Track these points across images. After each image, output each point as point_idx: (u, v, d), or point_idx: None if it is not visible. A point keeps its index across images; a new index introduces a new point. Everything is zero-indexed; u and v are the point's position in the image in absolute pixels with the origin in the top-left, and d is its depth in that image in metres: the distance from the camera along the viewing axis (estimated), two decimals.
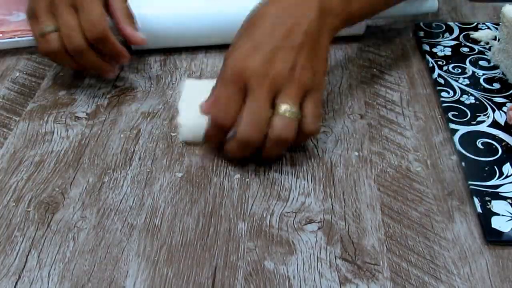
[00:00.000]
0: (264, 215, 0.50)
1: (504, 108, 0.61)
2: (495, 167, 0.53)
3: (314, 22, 0.52)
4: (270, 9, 0.53)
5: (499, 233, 0.47)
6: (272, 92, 0.50)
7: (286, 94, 0.50)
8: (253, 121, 0.50)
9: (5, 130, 0.60)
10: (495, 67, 0.68)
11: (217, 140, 0.54)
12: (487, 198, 0.50)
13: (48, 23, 0.59)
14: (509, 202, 0.50)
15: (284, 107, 0.50)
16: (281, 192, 0.52)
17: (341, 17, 0.55)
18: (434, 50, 0.71)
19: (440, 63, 0.68)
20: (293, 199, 0.52)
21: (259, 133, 0.50)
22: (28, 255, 0.47)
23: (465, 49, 0.71)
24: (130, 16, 0.63)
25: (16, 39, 0.73)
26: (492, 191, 0.51)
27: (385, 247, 0.47)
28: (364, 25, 0.73)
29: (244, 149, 0.52)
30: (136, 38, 0.62)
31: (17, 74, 0.70)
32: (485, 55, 0.70)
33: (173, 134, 0.59)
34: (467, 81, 0.65)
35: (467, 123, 0.59)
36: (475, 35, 0.73)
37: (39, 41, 0.61)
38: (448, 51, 0.71)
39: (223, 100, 0.51)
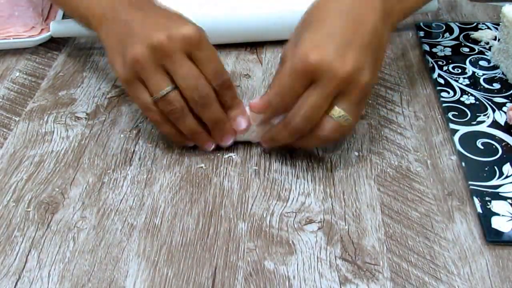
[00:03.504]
0: (264, 215, 0.50)
1: (504, 108, 0.61)
2: (495, 167, 0.53)
3: (379, 22, 0.50)
4: (334, 4, 0.51)
5: (499, 233, 0.47)
6: (336, 92, 0.49)
7: (347, 100, 0.49)
8: (310, 114, 0.49)
9: (5, 130, 0.60)
10: (495, 67, 0.68)
11: (266, 123, 0.54)
12: (487, 198, 0.50)
13: (164, 84, 0.51)
14: (509, 202, 0.50)
15: (341, 113, 0.49)
16: (281, 192, 0.52)
17: (397, 17, 0.55)
18: (434, 50, 0.71)
19: (440, 63, 0.68)
20: (293, 199, 0.52)
21: (310, 126, 0.50)
22: (28, 255, 0.47)
23: (465, 49, 0.71)
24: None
25: (14, 39, 0.73)
26: (492, 191, 0.51)
27: (385, 247, 0.47)
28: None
29: (290, 137, 0.52)
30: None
31: (17, 74, 0.70)
32: (485, 55, 0.70)
33: None
34: (467, 81, 0.65)
35: (467, 123, 0.59)
36: (475, 35, 0.73)
37: (150, 108, 0.52)
38: (448, 51, 0.71)
39: (288, 91, 0.50)
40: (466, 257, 0.46)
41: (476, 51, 0.71)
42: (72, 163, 0.56)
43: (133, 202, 0.52)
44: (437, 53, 0.70)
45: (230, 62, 0.71)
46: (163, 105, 0.52)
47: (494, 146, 0.56)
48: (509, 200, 0.50)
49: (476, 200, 0.50)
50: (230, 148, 0.57)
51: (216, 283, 0.44)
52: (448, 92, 0.64)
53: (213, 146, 0.56)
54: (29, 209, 0.51)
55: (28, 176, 0.54)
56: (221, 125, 0.54)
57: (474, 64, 0.68)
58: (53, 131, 0.60)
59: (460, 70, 0.67)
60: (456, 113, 0.60)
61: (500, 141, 0.57)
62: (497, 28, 0.72)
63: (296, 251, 0.47)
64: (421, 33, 0.74)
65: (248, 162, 0.56)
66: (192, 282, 0.45)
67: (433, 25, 0.76)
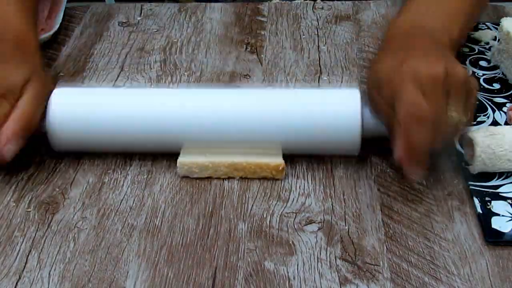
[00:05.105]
0: (264, 216, 0.50)
1: (504, 108, 0.61)
2: None
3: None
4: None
5: (499, 233, 0.47)
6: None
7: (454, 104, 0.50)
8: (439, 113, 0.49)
9: None
10: (495, 67, 0.68)
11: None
12: (487, 199, 0.50)
13: None
14: (509, 203, 0.50)
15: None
16: (281, 192, 0.52)
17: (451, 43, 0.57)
18: None
19: None
20: (293, 199, 0.52)
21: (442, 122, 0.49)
22: (28, 255, 0.47)
23: (465, 49, 0.71)
24: (22, 122, 0.52)
25: None
26: (492, 192, 0.51)
27: (385, 248, 0.47)
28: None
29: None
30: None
31: None
32: (485, 55, 0.70)
33: None
34: None
35: None
36: (475, 35, 0.73)
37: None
38: None
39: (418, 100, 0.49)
40: (466, 257, 0.46)
41: (476, 51, 0.71)
42: (72, 163, 0.56)
43: (133, 203, 0.52)
44: None
45: (231, 62, 0.71)
46: None
47: None
48: (509, 200, 0.50)
49: (476, 200, 0.50)
50: None
51: (216, 284, 0.44)
52: None
53: None
54: (29, 209, 0.51)
55: (28, 176, 0.54)
56: None
57: (474, 64, 0.68)
58: None
59: None
60: None
61: None
62: (497, 28, 0.72)
63: (296, 252, 0.47)
64: None
65: None
66: (192, 282, 0.45)
67: None
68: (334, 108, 0.53)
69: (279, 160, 0.53)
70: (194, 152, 0.53)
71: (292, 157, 0.56)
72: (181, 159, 0.53)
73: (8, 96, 0.51)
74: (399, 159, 0.49)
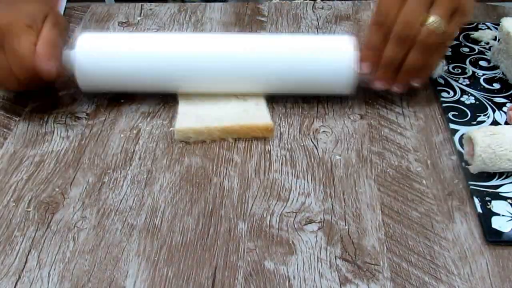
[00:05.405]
0: (264, 215, 0.50)
1: (504, 108, 0.61)
2: None
3: None
4: None
5: (499, 233, 0.47)
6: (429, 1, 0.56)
7: (437, 7, 0.56)
8: (409, 19, 0.56)
9: (5, 130, 0.60)
10: (495, 67, 0.68)
11: (375, 48, 0.58)
12: (487, 198, 0.50)
13: None
14: (509, 202, 0.50)
15: (432, 19, 0.55)
16: (281, 192, 0.52)
17: None
18: None
19: (440, 63, 0.68)
20: (293, 199, 0.52)
21: (412, 30, 0.56)
22: (28, 255, 0.47)
23: (465, 49, 0.71)
24: (52, 44, 0.59)
25: None
26: (492, 191, 0.51)
27: (385, 247, 0.47)
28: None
29: (397, 51, 0.57)
30: (42, 66, 0.57)
31: None
32: (485, 55, 0.70)
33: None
34: (467, 81, 0.65)
35: (467, 123, 0.59)
36: (475, 35, 0.73)
37: None
38: (448, 51, 0.71)
39: (385, 5, 0.57)
40: (466, 257, 0.46)
41: (476, 51, 0.71)
42: (72, 163, 0.56)
43: (133, 202, 0.52)
44: None
45: None
46: None
47: None
48: (509, 200, 0.50)
49: (476, 200, 0.50)
50: (230, 148, 0.57)
51: (216, 283, 0.44)
52: (448, 92, 0.64)
53: None
54: (29, 209, 0.51)
55: (28, 176, 0.54)
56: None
57: (474, 64, 0.68)
58: (53, 131, 0.60)
59: (460, 70, 0.67)
60: (456, 113, 0.60)
61: None
62: (497, 28, 0.72)
63: (296, 251, 0.47)
64: None
65: (248, 162, 0.56)
66: (192, 282, 0.45)
67: None
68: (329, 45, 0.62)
69: (268, 121, 0.58)
70: (190, 118, 0.59)
71: (292, 157, 0.56)
72: (178, 126, 0.58)
73: (34, 27, 0.59)
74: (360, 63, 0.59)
